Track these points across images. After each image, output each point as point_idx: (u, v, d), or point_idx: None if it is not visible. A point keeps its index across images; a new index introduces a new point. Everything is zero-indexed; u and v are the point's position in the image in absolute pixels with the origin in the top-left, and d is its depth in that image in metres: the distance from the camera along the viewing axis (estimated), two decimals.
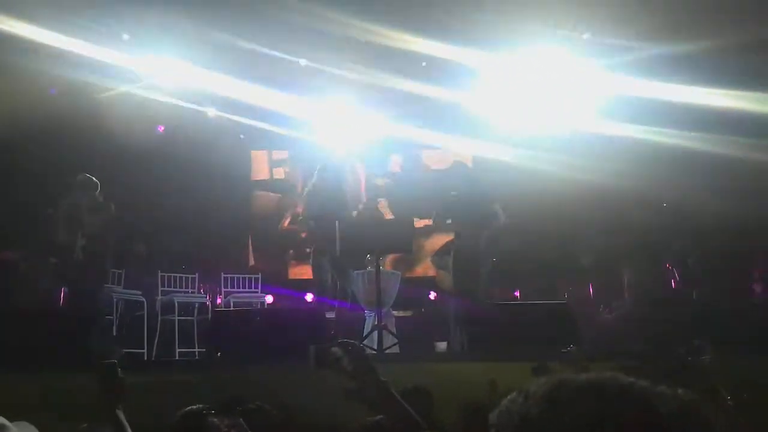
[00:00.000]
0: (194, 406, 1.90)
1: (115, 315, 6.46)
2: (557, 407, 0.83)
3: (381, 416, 1.96)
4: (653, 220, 6.42)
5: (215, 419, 1.80)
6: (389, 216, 8.59)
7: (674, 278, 6.22)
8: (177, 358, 6.61)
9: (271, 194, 9.01)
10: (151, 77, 7.52)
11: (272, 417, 1.91)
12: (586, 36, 7.16)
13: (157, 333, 6.82)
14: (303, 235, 6.95)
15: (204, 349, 5.58)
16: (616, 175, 6.97)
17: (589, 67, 7.32)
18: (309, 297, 7.03)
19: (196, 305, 7.21)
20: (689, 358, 3.94)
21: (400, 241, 5.76)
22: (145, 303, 6.87)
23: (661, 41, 6.51)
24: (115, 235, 6.22)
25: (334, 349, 1.90)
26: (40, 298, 7.09)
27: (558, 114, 7.69)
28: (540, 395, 0.85)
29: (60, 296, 7.15)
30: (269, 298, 7.75)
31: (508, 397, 0.88)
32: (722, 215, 6.32)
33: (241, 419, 1.85)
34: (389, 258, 7.70)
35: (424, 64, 7.63)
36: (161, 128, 8.36)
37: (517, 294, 7.39)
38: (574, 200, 7.54)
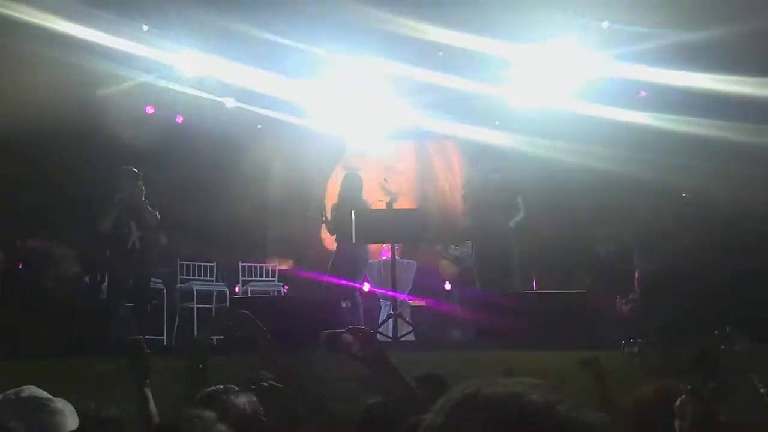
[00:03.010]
0: (213, 387, 2.00)
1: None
2: (455, 423, 0.84)
3: (382, 398, 2.01)
4: (671, 209, 6.36)
5: (232, 396, 1.89)
6: None
7: (690, 268, 6.16)
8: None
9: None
10: (170, 68, 7.60)
11: (283, 393, 1.99)
12: (605, 24, 7.09)
13: (177, 320, 6.95)
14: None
15: (221, 336, 5.66)
16: (633, 164, 6.91)
17: (608, 56, 7.24)
18: (366, 286, 6.95)
19: (215, 293, 7.32)
20: (722, 347, 3.90)
21: (414, 230, 5.77)
22: (165, 291, 6.98)
23: (680, 29, 6.42)
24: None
25: (345, 334, 1.94)
26: (66, 286, 7.26)
27: (575, 102, 7.63)
28: (446, 409, 0.87)
29: (83, 285, 7.33)
30: (286, 288, 7.85)
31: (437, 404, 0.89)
32: (743, 204, 6.24)
33: (254, 396, 1.93)
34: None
35: (440, 53, 7.61)
36: (180, 119, 8.44)
37: (534, 284, 7.37)
38: (591, 189, 7.48)
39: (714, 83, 6.73)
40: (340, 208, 6.25)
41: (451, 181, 9.06)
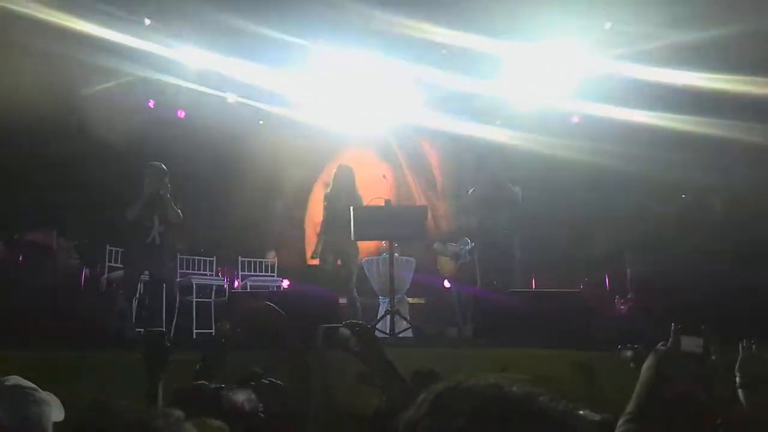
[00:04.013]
0: (197, 382, 1.97)
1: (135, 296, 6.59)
2: (437, 414, 0.87)
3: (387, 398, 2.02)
4: (670, 210, 6.37)
5: (230, 393, 1.87)
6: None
7: (688, 270, 6.17)
8: (194, 337, 6.75)
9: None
10: (172, 62, 7.60)
11: (283, 391, 1.98)
12: (608, 25, 7.09)
13: (175, 314, 6.95)
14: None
15: (242, 329, 5.66)
16: (634, 164, 6.92)
17: (611, 56, 7.25)
18: None
19: (214, 287, 7.33)
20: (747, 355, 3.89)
21: (414, 227, 5.77)
22: (164, 285, 6.98)
23: (683, 29, 6.43)
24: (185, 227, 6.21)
25: (342, 329, 1.96)
26: (65, 279, 7.28)
27: (576, 101, 7.64)
28: (429, 400, 0.89)
29: (82, 277, 7.35)
30: (285, 283, 7.86)
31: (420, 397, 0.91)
32: (743, 204, 6.25)
33: (253, 394, 1.91)
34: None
35: (444, 52, 7.60)
36: (181, 113, 8.45)
37: (533, 283, 7.39)
38: (592, 189, 7.49)
39: (713, 83, 6.74)
40: (332, 199, 6.26)
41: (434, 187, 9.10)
